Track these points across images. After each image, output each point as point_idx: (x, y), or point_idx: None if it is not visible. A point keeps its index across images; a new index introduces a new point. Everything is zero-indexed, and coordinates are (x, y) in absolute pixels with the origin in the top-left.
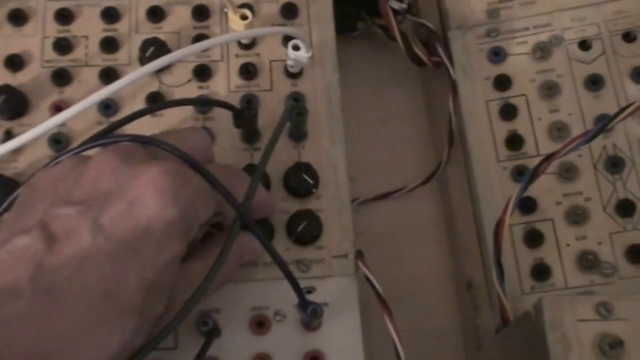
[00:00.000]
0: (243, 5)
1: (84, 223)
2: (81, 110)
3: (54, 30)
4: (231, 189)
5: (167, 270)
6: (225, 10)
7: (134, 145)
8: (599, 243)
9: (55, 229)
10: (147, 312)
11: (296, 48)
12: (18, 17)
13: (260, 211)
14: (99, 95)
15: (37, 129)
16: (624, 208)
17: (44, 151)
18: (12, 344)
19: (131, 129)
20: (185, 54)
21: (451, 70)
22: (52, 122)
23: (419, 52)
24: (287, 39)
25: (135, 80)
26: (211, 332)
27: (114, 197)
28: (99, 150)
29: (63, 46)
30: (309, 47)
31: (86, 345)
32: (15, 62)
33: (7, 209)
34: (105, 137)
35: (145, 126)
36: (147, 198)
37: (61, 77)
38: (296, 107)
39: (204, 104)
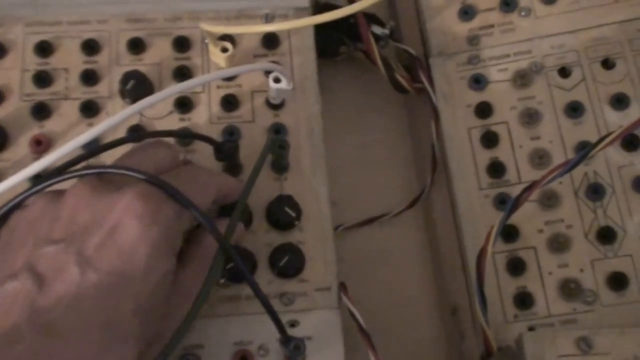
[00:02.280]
0: (224, 37)
1: (69, 259)
2: (67, 152)
3: (33, 63)
4: (204, 188)
5: (160, 289)
6: (206, 41)
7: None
8: (581, 270)
9: (42, 269)
10: (146, 333)
11: (277, 81)
12: None
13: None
14: (84, 137)
15: (21, 174)
16: (605, 235)
17: (24, 185)
18: None
19: (110, 159)
20: (169, 94)
21: (433, 97)
22: (38, 166)
23: (401, 78)
24: (268, 70)
25: (120, 122)
26: None
27: (94, 228)
28: (73, 182)
29: (43, 79)
30: (290, 80)
31: None
32: None
33: None
34: (68, 172)
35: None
36: (127, 224)
37: (41, 111)
38: (277, 140)
39: (184, 137)
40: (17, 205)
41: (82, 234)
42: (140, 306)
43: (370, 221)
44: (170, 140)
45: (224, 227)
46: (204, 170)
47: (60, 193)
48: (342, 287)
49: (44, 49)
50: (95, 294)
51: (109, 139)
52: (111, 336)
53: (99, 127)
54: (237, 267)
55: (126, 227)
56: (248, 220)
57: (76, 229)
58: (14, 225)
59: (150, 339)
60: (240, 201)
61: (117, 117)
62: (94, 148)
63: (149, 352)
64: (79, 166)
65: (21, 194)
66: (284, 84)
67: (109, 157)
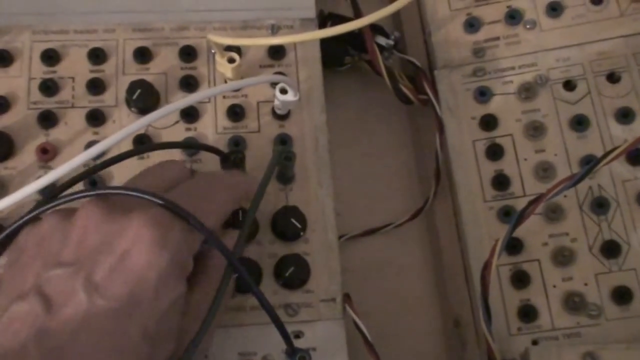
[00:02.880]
0: (230, 48)
1: (77, 284)
2: (76, 165)
3: (40, 71)
4: (218, 206)
5: (170, 314)
6: (213, 51)
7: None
8: (585, 284)
9: (50, 292)
10: (156, 357)
11: (283, 91)
12: (4, 58)
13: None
14: (94, 151)
15: (28, 188)
16: (610, 249)
17: (33, 196)
18: None
19: (117, 170)
20: (178, 107)
21: (438, 109)
22: (46, 180)
23: (405, 89)
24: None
25: (129, 135)
26: None
27: (103, 254)
28: (83, 202)
29: (49, 87)
30: (296, 91)
31: None
32: (0, 104)
33: None
34: (80, 192)
35: (132, 168)
36: (136, 250)
37: (47, 119)
38: (283, 151)
39: (190, 148)
40: (25, 223)
41: (91, 259)
42: (148, 332)
43: (373, 231)
44: (176, 150)
45: (232, 239)
46: (216, 181)
47: (71, 212)
48: (347, 298)
49: (51, 57)
50: (103, 320)
51: (114, 148)
52: None
53: (109, 140)
54: (243, 279)
55: (136, 253)
56: (254, 231)
57: (85, 252)
58: (22, 243)
59: None
60: (249, 216)
61: (125, 130)
62: (102, 161)
63: None
64: (86, 180)
65: (29, 212)
66: (290, 96)
67: (115, 168)
